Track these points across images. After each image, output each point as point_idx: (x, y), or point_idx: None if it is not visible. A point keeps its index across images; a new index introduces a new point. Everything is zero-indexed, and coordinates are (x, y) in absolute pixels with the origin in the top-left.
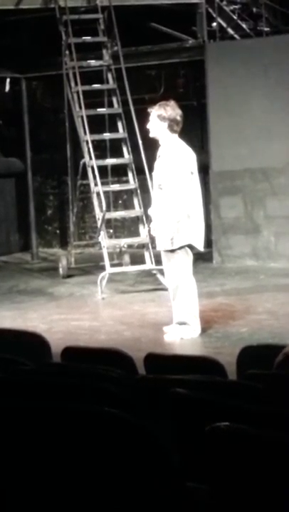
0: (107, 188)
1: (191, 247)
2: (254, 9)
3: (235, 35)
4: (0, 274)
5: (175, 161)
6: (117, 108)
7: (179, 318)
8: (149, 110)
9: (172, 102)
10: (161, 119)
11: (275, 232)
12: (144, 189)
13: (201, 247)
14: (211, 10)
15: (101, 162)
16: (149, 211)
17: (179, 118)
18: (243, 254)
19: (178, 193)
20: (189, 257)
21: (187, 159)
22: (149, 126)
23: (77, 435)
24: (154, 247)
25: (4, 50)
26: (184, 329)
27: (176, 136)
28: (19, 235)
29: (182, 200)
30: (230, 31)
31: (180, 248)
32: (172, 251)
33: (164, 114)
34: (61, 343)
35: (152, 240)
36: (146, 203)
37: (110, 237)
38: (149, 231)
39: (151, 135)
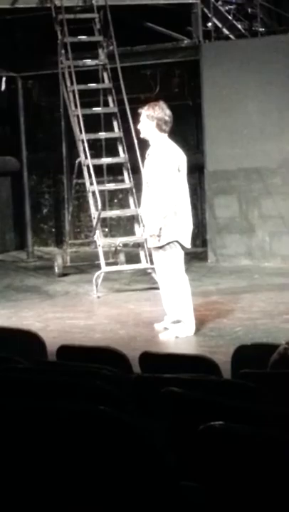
0: (102, 187)
1: (179, 244)
2: (249, 9)
3: (231, 36)
4: None
5: (162, 159)
6: (112, 107)
7: (173, 316)
8: (139, 111)
9: (161, 103)
10: (149, 119)
11: (269, 231)
12: (139, 188)
13: (188, 244)
14: (206, 10)
15: (96, 161)
16: (139, 210)
17: (167, 118)
18: (238, 253)
19: (164, 189)
20: (179, 253)
21: (175, 157)
22: (139, 126)
23: (72, 434)
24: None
25: (0, 48)
26: (179, 328)
27: (165, 135)
28: (15, 233)
29: (168, 197)
30: (226, 31)
31: (168, 244)
32: (161, 248)
33: (152, 113)
34: (56, 342)
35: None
36: (141, 202)
37: (106, 236)
38: (144, 230)
39: (141, 135)
